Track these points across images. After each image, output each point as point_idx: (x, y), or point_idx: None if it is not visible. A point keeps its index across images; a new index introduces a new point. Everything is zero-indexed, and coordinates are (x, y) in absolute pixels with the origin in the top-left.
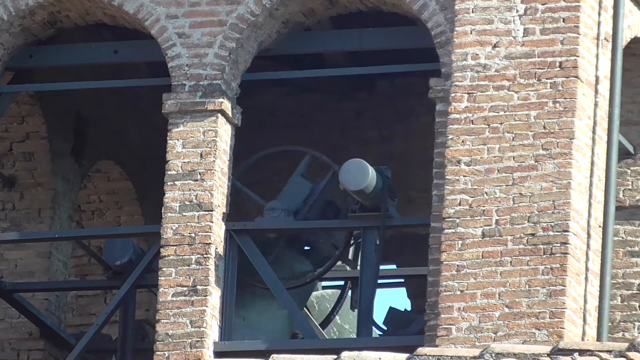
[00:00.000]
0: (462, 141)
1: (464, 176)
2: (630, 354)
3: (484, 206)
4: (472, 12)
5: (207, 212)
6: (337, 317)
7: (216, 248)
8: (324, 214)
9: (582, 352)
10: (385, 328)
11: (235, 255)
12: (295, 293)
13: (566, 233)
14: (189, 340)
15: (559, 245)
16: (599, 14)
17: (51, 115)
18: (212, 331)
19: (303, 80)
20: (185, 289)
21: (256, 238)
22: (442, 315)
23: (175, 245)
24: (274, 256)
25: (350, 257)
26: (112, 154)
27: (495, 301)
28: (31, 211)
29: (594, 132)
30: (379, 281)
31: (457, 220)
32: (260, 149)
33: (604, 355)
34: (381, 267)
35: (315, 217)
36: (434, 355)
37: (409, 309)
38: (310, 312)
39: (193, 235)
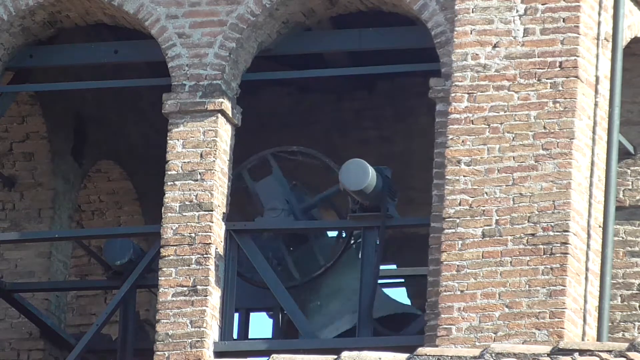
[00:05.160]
0: (462, 141)
1: (464, 176)
2: (630, 354)
3: (484, 206)
4: (472, 12)
5: (207, 212)
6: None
7: (216, 248)
8: (300, 194)
9: (582, 352)
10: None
11: (235, 255)
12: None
13: (566, 233)
14: (189, 340)
15: (559, 245)
16: (599, 14)
17: (51, 115)
18: (212, 331)
19: (303, 80)
20: (185, 289)
21: (263, 245)
22: (442, 315)
23: (175, 245)
24: (295, 257)
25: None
26: (112, 154)
27: (495, 301)
28: (31, 211)
29: (594, 132)
30: (379, 281)
31: (457, 220)
32: (260, 149)
33: (604, 355)
34: (381, 267)
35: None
36: (434, 355)
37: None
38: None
39: (193, 235)
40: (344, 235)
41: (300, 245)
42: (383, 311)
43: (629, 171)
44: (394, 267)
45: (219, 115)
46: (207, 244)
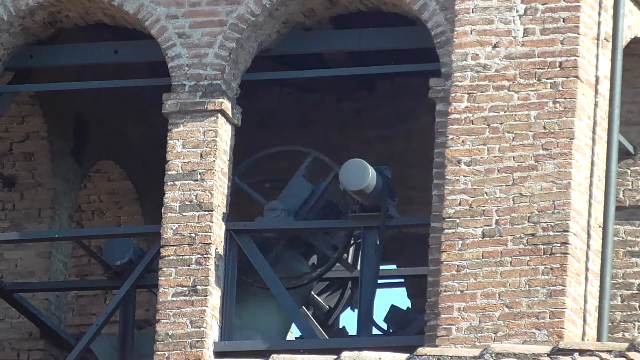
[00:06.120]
0: (462, 141)
1: (464, 176)
2: (630, 354)
3: (484, 206)
4: (472, 12)
5: (207, 212)
6: None
7: (216, 248)
8: (325, 216)
9: (582, 352)
10: (386, 325)
11: (235, 255)
12: (294, 292)
13: (566, 233)
14: (189, 340)
15: (559, 245)
16: (599, 14)
17: (51, 115)
18: (212, 331)
19: (303, 80)
20: (185, 289)
21: (256, 238)
22: (442, 315)
23: (175, 245)
24: (274, 256)
25: (350, 259)
26: (112, 154)
27: (495, 301)
28: (31, 211)
29: (594, 132)
30: (379, 281)
31: (457, 220)
32: (260, 149)
33: (604, 355)
34: (381, 267)
35: (316, 218)
36: (434, 355)
37: (409, 307)
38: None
39: (193, 235)
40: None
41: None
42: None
43: (629, 171)
44: (394, 267)
45: (219, 115)
46: (207, 244)
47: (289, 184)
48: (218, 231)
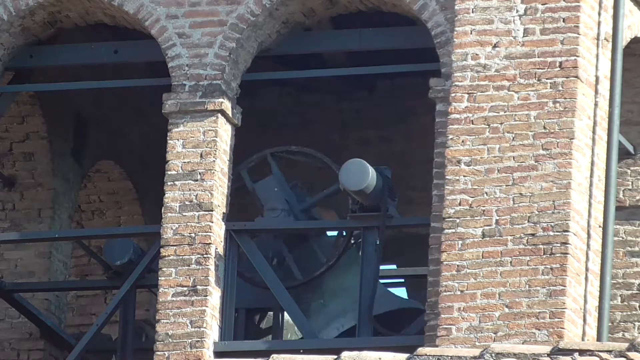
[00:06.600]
0: (462, 141)
1: (464, 176)
2: (630, 354)
3: (484, 206)
4: (472, 12)
5: (207, 212)
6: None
7: (216, 248)
8: (300, 195)
9: (582, 352)
10: (405, 290)
11: (235, 255)
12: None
13: (566, 233)
14: (189, 340)
15: (559, 245)
16: (599, 14)
17: (51, 115)
18: (212, 331)
19: (303, 80)
20: (185, 289)
21: (265, 245)
22: (442, 315)
23: (175, 245)
24: (296, 256)
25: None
26: (112, 154)
27: (495, 301)
28: (31, 211)
29: (594, 132)
30: (379, 281)
31: (457, 220)
32: (261, 149)
33: (604, 355)
34: (381, 267)
35: (303, 199)
36: (434, 355)
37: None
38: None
39: (193, 235)
40: (344, 233)
41: (301, 244)
42: (385, 307)
43: (629, 171)
44: (394, 267)
45: (219, 115)
46: (207, 244)
47: (260, 193)
48: (218, 231)
